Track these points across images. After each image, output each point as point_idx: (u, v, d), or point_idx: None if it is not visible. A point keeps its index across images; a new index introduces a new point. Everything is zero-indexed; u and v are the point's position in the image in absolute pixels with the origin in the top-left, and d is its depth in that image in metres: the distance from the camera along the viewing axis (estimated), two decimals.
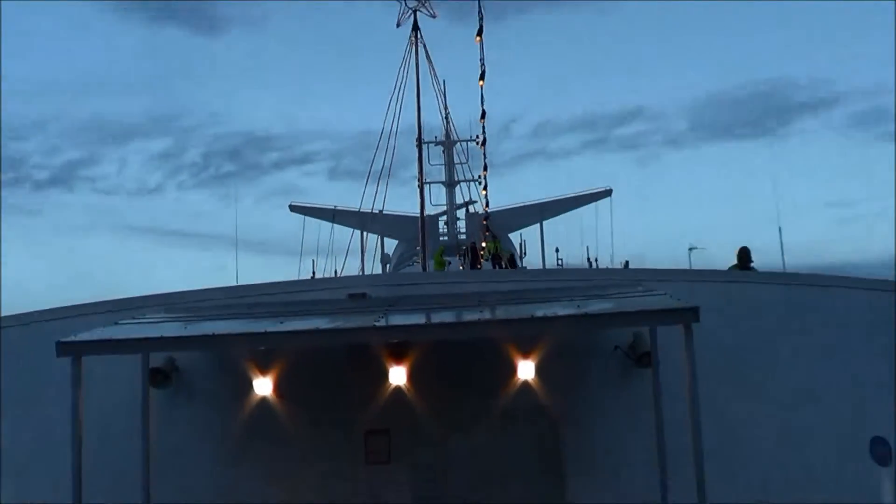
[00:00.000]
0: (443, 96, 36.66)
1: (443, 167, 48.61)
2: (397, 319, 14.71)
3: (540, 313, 14.14)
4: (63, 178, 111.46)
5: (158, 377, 16.95)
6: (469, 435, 16.89)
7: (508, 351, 15.83)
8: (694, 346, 13.33)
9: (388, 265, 46.93)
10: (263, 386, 16.06)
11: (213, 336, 13.59)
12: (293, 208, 47.50)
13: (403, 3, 29.33)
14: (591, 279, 18.69)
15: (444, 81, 46.00)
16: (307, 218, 46.15)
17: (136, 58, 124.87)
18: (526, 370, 15.99)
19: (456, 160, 48.14)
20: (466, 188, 48.49)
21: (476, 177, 47.60)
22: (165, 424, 16.79)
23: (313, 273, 41.70)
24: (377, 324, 13.81)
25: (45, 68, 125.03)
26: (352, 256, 44.22)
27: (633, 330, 16.98)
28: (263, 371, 15.99)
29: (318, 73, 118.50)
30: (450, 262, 40.01)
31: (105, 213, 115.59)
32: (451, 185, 48.48)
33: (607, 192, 46.11)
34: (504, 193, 48.14)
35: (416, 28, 29.54)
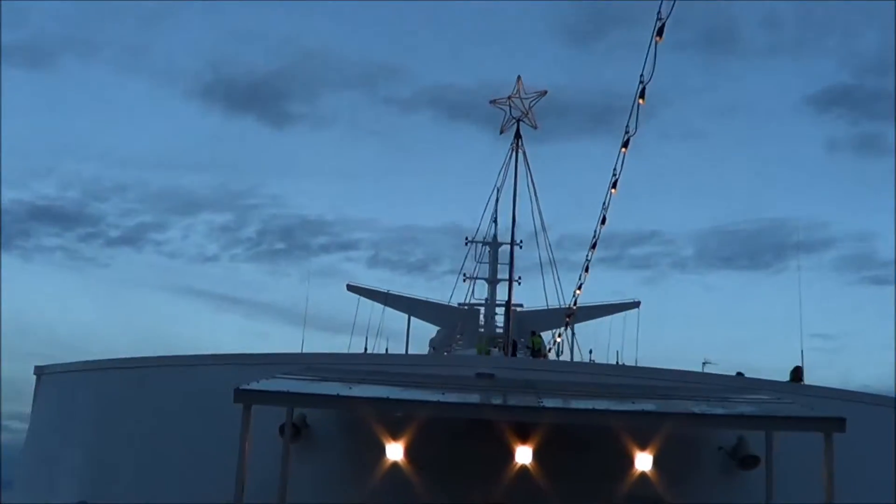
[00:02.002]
0: (536, 200, 35.44)
1: (487, 265, 47.94)
2: (552, 402, 13.90)
3: (697, 410, 13.34)
4: (133, 239, 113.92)
5: (291, 431, 16.02)
6: None
7: (625, 441, 15.05)
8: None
9: (433, 348, 46.23)
10: (395, 451, 15.14)
11: (388, 400, 12.73)
12: (350, 288, 46.68)
13: (508, 111, 29.13)
14: (695, 382, 17.79)
15: (496, 189, 45.84)
16: (361, 298, 45.17)
17: (212, 140, 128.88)
18: (644, 462, 15.21)
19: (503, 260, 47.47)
20: (507, 286, 47.69)
21: (517, 277, 46.99)
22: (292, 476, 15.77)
23: (365, 349, 40.74)
24: (545, 404, 12.99)
25: (131, 140, 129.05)
26: (398, 339, 43.16)
27: (738, 434, 16.18)
28: (395, 437, 15.07)
29: (369, 170, 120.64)
30: (489, 351, 38.92)
31: (166, 274, 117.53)
32: (492, 282, 47.74)
33: (635, 304, 45.39)
34: (529, 294, 47.03)
35: (518, 136, 29.43)
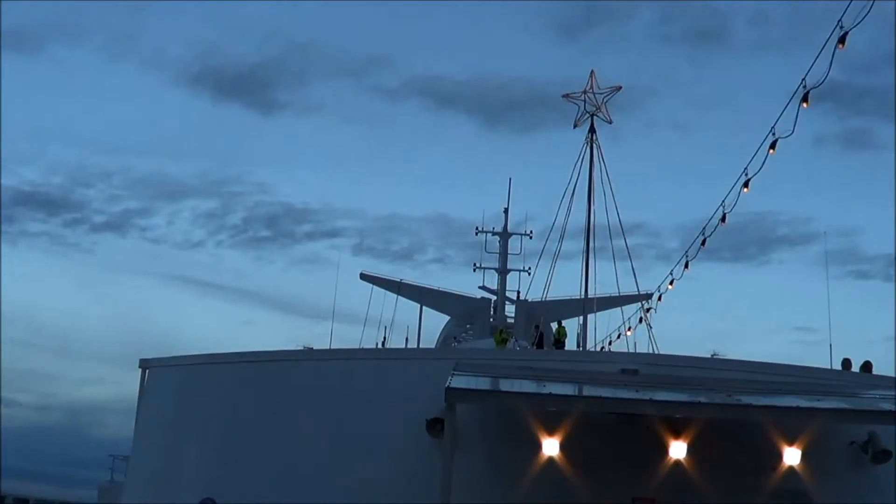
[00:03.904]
0: (612, 193, 34.66)
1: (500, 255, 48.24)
2: (715, 398, 14.43)
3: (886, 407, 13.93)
4: (118, 224, 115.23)
5: (437, 427, 16.29)
6: None
7: (773, 436, 15.70)
8: None
9: (452, 339, 46.48)
10: (551, 446, 15.60)
11: (601, 398, 13.11)
12: (363, 277, 46.53)
13: (582, 106, 29.63)
14: (826, 379, 18.39)
15: (510, 179, 46.37)
16: (374, 287, 45.12)
17: (199, 127, 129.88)
18: (792, 456, 15.89)
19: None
20: (518, 276, 48.20)
21: (525, 267, 47.51)
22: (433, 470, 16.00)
23: (384, 341, 40.92)
24: (744, 400, 13.50)
25: (118, 127, 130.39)
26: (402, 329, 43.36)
27: (869, 429, 16.83)
28: (550, 432, 15.51)
29: (354, 158, 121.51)
30: (513, 340, 38.96)
31: (151, 260, 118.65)
32: (503, 272, 48.08)
33: (648, 296, 45.88)
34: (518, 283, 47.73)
35: (592, 131, 29.88)
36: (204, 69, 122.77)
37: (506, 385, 14.17)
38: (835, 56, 14.78)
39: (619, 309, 44.64)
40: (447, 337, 47.36)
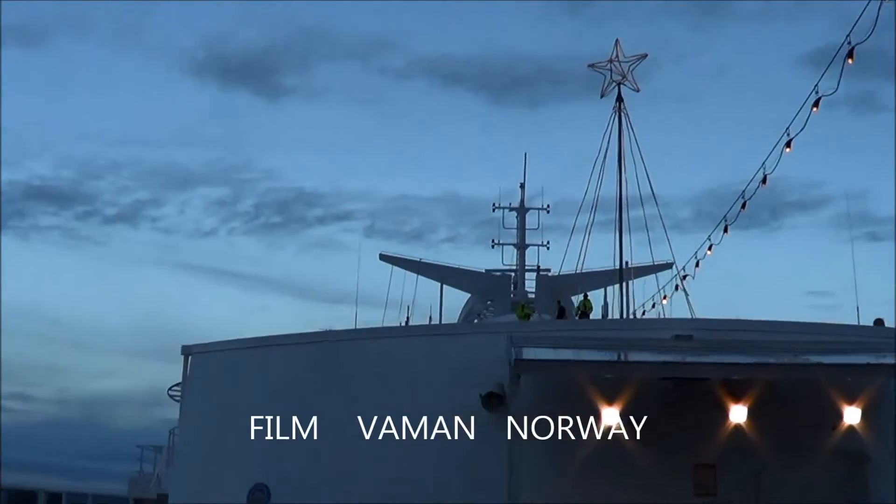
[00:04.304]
0: (643, 163, 34.40)
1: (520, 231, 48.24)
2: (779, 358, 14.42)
3: None
4: (129, 216, 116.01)
5: (493, 400, 16.32)
6: (793, 474, 16.39)
7: (832, 396, 15.69)
8: None
9: (474, 317, 46.57)
10: (611, 415, 15.57)
11: (662, 364, 13.19)
12: (382, 257, 46.48)
13: (609, 75, 29.54)
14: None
15: (525, 154, 46.40)
16: (393, 268, 45.14)
17: (206, 115, 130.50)
18: (853, 415, 15.87)
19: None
20: (536, 251, 48.28)
21: (544, 242, 47.58)
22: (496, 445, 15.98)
23: (407, 320, 41.04)
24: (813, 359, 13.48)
25: (125, 118, 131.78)
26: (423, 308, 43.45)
27: None
28: (610, 401, 15.48)
29: (363, 140, 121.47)
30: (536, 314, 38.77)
31: (163, 250, 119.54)
32: (521, 247, 48.11)
33: (669, 265, 45.75)
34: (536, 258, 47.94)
35: (619, 100, 29.80)
36: (209, 57, 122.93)
37: (571, 354, 14.13)
38: (881, 9, 14.65)
39: (641, 280, 45.12)
40: (469, 314, 47.50)
